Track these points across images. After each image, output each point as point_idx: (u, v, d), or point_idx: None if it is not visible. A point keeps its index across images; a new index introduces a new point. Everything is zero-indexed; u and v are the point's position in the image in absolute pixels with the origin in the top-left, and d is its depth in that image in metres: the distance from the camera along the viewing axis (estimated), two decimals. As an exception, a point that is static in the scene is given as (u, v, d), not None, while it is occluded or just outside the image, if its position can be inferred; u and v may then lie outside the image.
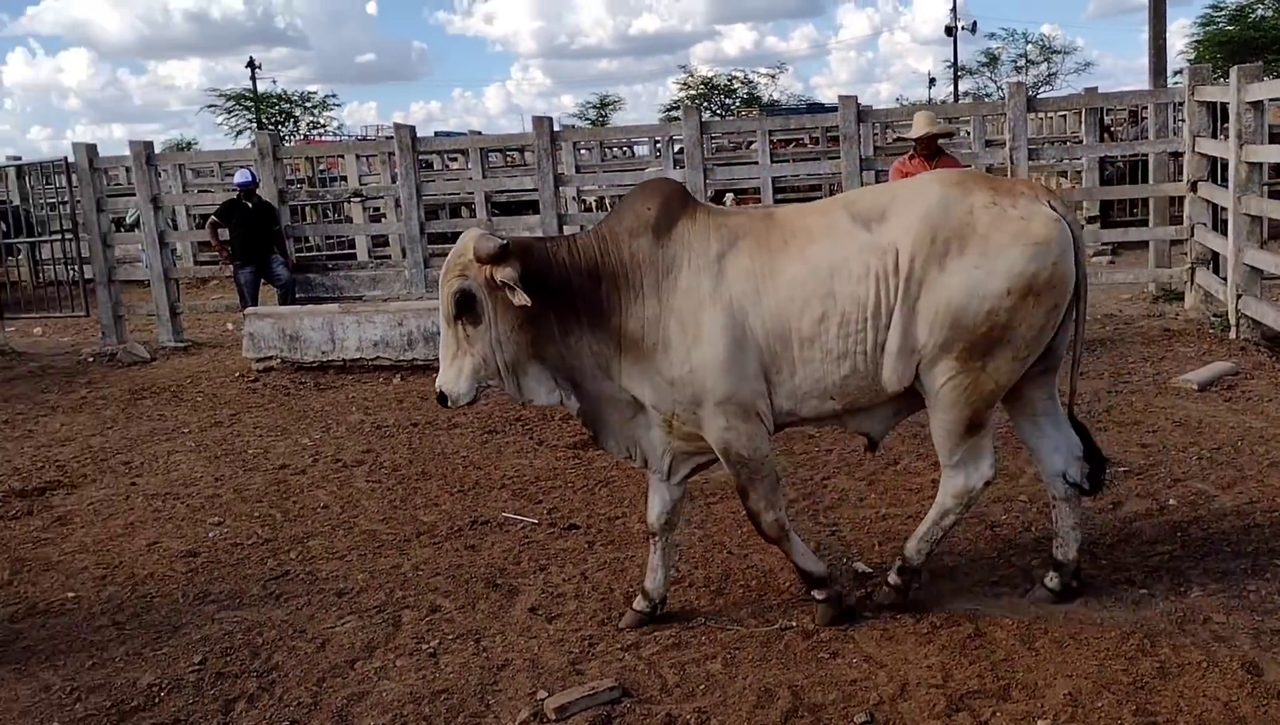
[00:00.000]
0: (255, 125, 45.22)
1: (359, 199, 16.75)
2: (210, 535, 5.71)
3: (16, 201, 16.25)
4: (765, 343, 3.77)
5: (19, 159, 20.78)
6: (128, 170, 16.34)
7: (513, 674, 3.96)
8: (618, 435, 4.03)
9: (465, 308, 3.71)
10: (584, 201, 18.83)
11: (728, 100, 57.29)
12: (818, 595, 4.05)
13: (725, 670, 3.84)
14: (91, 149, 12.01)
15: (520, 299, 3.63)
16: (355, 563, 5.19)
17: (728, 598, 4.45)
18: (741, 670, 3.82)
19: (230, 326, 12.52)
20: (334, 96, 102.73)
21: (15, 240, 15.53)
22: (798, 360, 3.78)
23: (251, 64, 50.28)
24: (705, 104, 53.66)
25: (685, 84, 58.86)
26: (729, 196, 16.90)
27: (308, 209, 18.57)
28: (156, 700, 3.95)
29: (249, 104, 49.61)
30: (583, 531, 5.38)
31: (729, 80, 59.53)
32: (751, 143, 22.49)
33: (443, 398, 3.80)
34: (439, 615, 4.52)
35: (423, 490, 6.26)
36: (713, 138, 22.73)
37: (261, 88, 51.05)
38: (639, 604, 4.23)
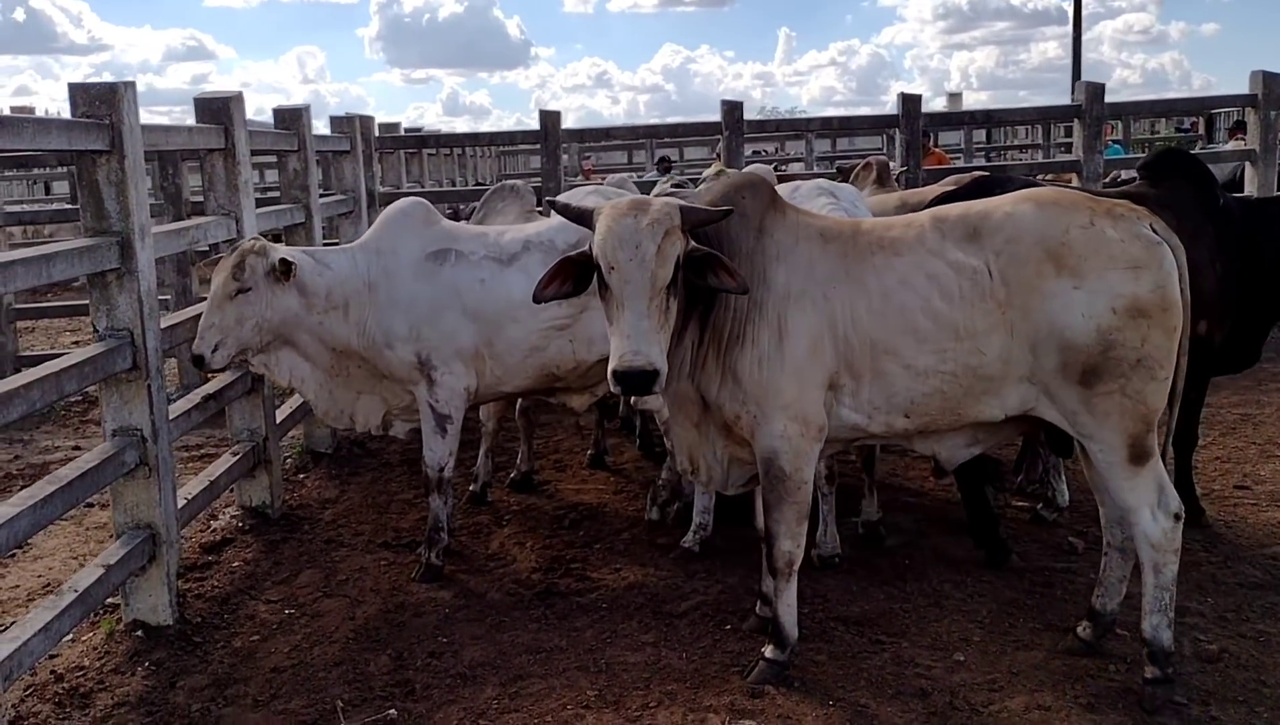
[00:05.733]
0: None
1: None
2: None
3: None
4: (841, 351, 3.59)
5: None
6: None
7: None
8: (681, 446, 3.86)
9: (674, 277, 3.35)
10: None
11: None
12: (769, 653, 3.78)
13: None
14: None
15: (739, 283, 3.44)
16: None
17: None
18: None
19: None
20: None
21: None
22: (875, 372, 3.61)
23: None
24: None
25: None
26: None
27: None
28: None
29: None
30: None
31: None
32: None
33: (653, 376, 3.27)
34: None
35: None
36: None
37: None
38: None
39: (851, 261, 3.65)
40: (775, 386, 3.59)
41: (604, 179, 7.95)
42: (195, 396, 5.07)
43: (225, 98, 5.43)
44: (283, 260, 4.52)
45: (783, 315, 3.59)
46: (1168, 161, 5.07)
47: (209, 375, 5.53)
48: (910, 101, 8.73)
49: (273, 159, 9.87)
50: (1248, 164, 9.06)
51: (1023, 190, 3.97)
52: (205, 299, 4.72)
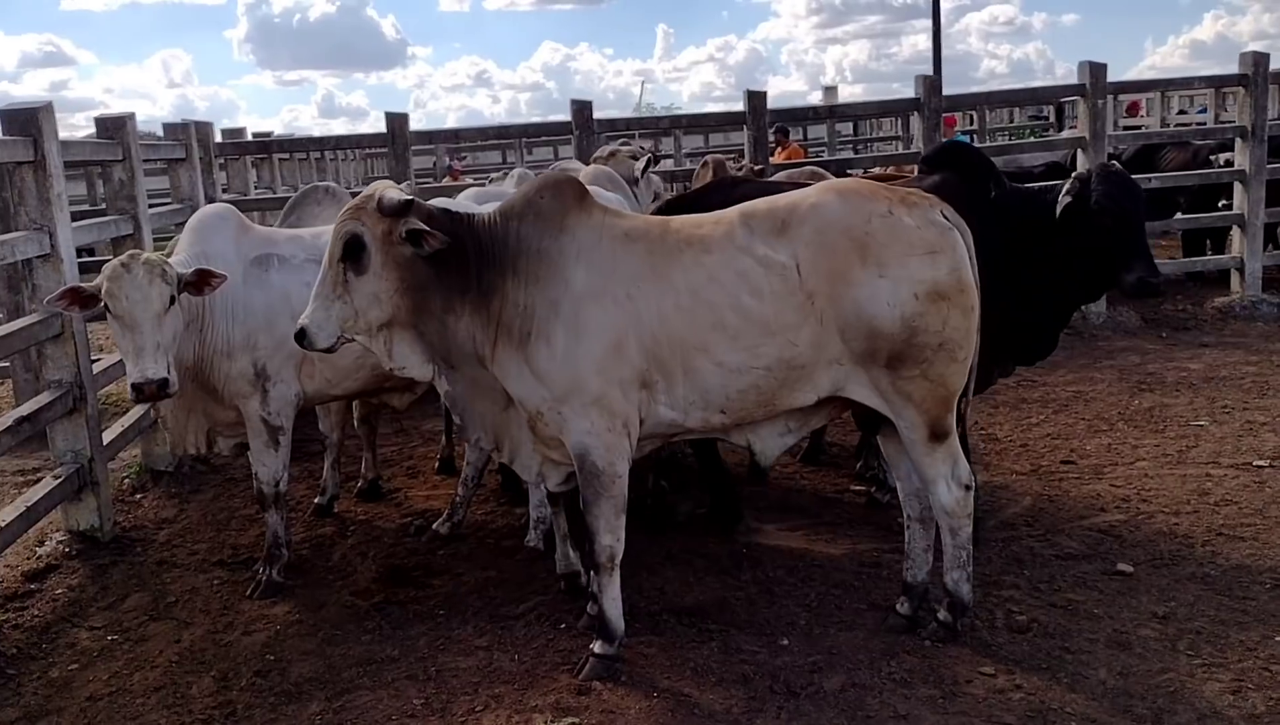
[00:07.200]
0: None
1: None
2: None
3: None
4: (650, 349, 3.65)
5: None
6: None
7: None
8: (487, 425, 3.96)
9: (352, 254, 3.57)
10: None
11: None
12: (597, 649, 3.82)
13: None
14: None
15: (439, 241, 3.53)
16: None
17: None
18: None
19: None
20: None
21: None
22: (687, 370, 3.67)
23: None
24: None
25: None
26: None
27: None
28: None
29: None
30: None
31: None
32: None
33: (302, 334, 3.64)
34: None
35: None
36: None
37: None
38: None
39: (658, 260, 3.68)
40: (577, 384, 3.62)
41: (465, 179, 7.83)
42: (7, 419, 4.86)
43: (33, 108, 5.22)
44: (200, 270, 4.28)
45: (580, 313, 3.61)
46: (944, 154, 5.12)
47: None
48: (756, 98, 8.87)
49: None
50: (1079, 150, 9.44)
51: (824, 182, 4.07)
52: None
